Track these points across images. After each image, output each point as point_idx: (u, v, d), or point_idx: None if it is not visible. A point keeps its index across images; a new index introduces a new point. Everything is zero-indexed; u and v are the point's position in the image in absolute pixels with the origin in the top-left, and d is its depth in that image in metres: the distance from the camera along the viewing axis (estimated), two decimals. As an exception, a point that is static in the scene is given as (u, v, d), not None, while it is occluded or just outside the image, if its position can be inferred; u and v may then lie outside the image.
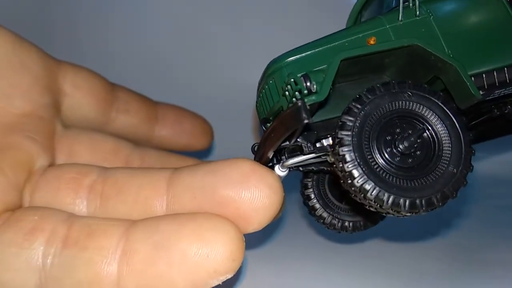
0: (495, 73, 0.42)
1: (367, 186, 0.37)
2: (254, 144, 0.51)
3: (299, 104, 0.37)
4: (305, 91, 0.38)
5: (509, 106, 0.48)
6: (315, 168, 0.52)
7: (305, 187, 0.54)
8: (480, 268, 0.50)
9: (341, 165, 0.38)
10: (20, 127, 0.46)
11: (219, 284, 0.37)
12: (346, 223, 0.53)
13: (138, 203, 0.41)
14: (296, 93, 0.39)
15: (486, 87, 0.41)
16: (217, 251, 0.36)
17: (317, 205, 0.53)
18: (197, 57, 0.85)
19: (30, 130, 0.47)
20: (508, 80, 0.42)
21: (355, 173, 0.37)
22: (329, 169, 0.51)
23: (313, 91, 0.39)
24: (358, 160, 0.37)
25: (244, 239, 0.38)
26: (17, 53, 0.49)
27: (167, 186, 0.41)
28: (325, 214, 0.53)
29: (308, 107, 0.38)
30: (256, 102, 0.49)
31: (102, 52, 0.83)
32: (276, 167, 0.48)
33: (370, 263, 0.53)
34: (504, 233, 0.59)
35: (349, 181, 0.38)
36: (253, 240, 0.45)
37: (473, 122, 0.49)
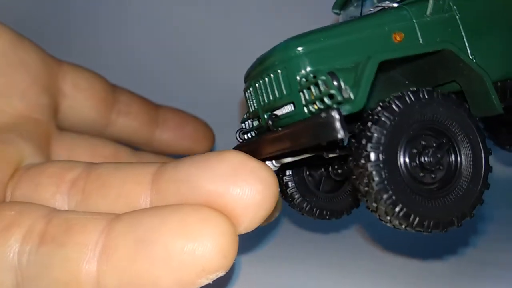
0: (508, 81, 0.41)
1: (396, 209, 0.34)
2: (238, 130, 0.46)
3: (336, 115, 0.32)
4: (339, 98, 0.33)
5: None
6: (306, 161, 0.49)
7: (283, 174, 0.51)
8: (480, 268, 0.51)
9: (366, 181, 0.35)
10: (15, 127, 0.46)
11: (209, 284, 0.34)
12: (324, 212, 0.51)
13: (121, 197, 0.38)
14: (326, 98, 0.34)
15: (504, 98, 0.40)
16: (206, 247, 0.32)
17: (296, 194, 0.51)
18: (196, 60, 0.84)
19: (25, 130, 0.46)
20: None
21: (384, 194, 0.34)
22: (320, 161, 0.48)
23: (346, 97, 0.34)
24: (387, 178, 0.34)
25: (237, 233, 0.34)
26: (16, 51, 0.49)
27: (152, 180, 0.38)
28: (303, 203, 0.51)
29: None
30: (247, 88, 0.42)
31: (96, 52, 0.82)
32: (269, 161, 0.43)
33: (367, 262, 0.52)
34: (504, 233, 0.61)
35: (377, 202, 0.35)
36: (246, 239, 0.42)
37: None
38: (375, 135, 0.35)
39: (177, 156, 0.59)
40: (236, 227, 0.34)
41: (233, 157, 0.35)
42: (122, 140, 0.58)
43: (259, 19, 0.83)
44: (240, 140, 0.45)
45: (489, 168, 0.38)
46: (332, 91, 0.33)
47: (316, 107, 0.35)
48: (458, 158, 0.37)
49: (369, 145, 0.35)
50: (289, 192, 0.51)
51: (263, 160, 0.41)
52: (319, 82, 0.34)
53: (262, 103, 0.41)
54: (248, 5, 0.83)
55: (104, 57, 0.82)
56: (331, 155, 0.40)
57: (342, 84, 0.34)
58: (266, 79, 0.39)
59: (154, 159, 0.54)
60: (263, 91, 0.40)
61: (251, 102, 0.43)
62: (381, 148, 0.35)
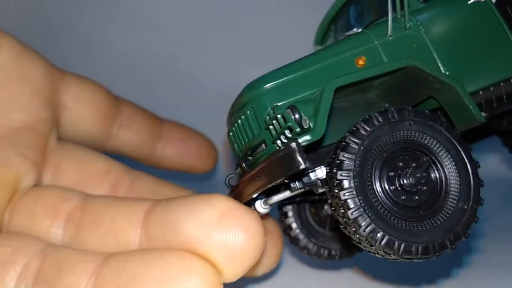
0: (491, 90, 0.38)
1: (377, 236, 0.32)
2: (227, 176, 0.45)
3: (294, 146, 0.32)
4: (297, 129, 0.33)
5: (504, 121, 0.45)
6: (299, 199, 0.48)
7: (285, 215, 0.50)
8: (485, 270, 0.49)
9: (342, 210, 0.33)
10: (14, 141, 0.45)
11: None
12: (333, 251, 0.49)
13: (111, 235, 0.38)
14: (286, 131, 0.34)
15: (484, 106, 0.38)
16: None
17: (301, 236, 0.49)
18: (193, 65, 0.82)
19: (23, 145, 0.45)
20: (505, 98, 0.39)
21: (362, 222, 0.32)
22: (315, 198, 0.47)
23: (306, 127, 0.33)
24: (363, 205, 0.33)
25: (221, 282, 0.33)
26: (20, 63, 0.47)
27: (143, 219, 0.38)
28: (310, 244, 0.49)
29: (303, 148, 0.32)
30: (228, 133, 0.43)
31: (90, 57, 0.80)
32: (258, 203, 0.42)
33: (371, 272, 0.50)
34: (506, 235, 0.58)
35: (354, 231, 0.33)
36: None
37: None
38: (345, 162, 0.33)
39: (178, 172, 0.58)
40: (220, 276, 0.33)
41: (220, 203, 0.35)
42: (122, 153, 0.57)
43: (259, 18, 0.82)
44: (230, 186, 0.45)
45: (479, 183, 0.35)
46: (290, 124, 0.33)
47: (281, 141, 0.35)
48: (442, 176, 0.35)
49: (339, 173, 0.33)
50: (293, 235, 0.49)
51: (250, 202, 0.41)
52: (278, 117, 0.34)
53: (241, 146, 0.41)
54: (248, 7, 0.82)
55: (98, 61, 0.80)
56: (320, 190, 0.39)
57: (302, 115, 0.34)
58: (239, 121, 0.40)
59: (148, 180, 0.51)
60: (239, 133, 0.40)
61: (234, 146, 0.43)
62: (352, 174, 0.33)
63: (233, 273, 0.34)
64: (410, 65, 0.36)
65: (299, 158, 0.32)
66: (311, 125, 0.33)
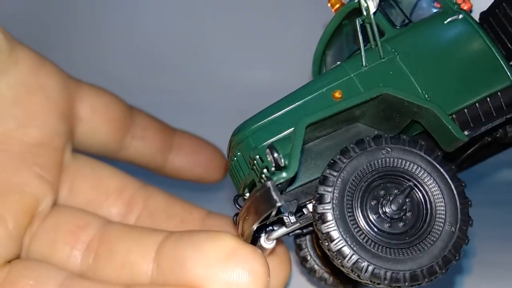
0: (478, 107, 0.38)
1: (361, 267, 0.33)
2: (236, 196, 0.47)
3: (268, 185, 0.33)
4: (272, 168, 0.34)
5: (500, 130, 0.44)
6: (304, 231, 0.48)
7: (300, 247, 0.50)
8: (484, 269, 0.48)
9: (326, 243, 0.34)
10: (31, 159, 0.45)
11: None
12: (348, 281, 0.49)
13: (125, 267, 0.40)
14: (264, 170, 0.35)
15: (471, 124, 0.38)
16: None
17: (316, 266, 0.49)
18: (198, 62, 0.83)
19: (40, 165, 0.45)
20: (493, 112, 0.38)
21: (345, 253, 0.33)
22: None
23: (282, 165, 0.35)
24: (344, 237, 0.33)
25: None
26: (36, 76, 0.47)
27: (156, 253, 0.39)
28: (325, 274, 0.49)
29: (278, 186, 0.34)
30: (229, 171, 0.45)
31: (97, 55, 0.81)
32: (262, 239, 0.43)
33: None
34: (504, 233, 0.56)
35: (340, 262, 0.34)
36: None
37: (468, 152, 0.46)
38: (324, 195, 0.34)
39: (189, 183, 0.59)
40: None
41: (226, 243, 0.37)
42: (134, 163, 0.57)
43: (262, 17, 0.82)
44: (239, 207, 0.46)
45: (466, 203, 0.34)
46: (266, 164, 0.35)
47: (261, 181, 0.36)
48: (426, 200, 0.35)
49: (319, 206, 0.34)
50: (308, 266, 0.50)
51: (256, 238, 0.42)
52: (256, 157, 0.36)
53: (239, 183, 0.43)
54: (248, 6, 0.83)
55: (106, 65, 0.80)
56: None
57: (279, 153, 0.35)
58: (233, 162, 0.42)
59: (161, 197, 0.51)
60: (235, 172, 0.42)
61: (234, 182, 0.45)
62: (332, 207, 0.34)
63: None
64: (382, 93, 0.36)
65: (274, 196, 0.33)
66: (286, 162, 0.34)
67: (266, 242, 0.43)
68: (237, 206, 0.39)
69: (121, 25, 0.81)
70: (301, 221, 0.39)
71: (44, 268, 0.40)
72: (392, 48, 0.39)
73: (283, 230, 0.41)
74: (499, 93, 0.38)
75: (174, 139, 0.59)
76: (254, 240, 0.42)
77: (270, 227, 0.42)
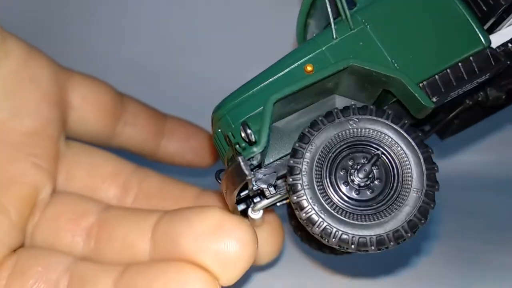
0: (449, 72, 0.38)
1: (329, 233, 0.34)
2: (218, 171, 0.49)
3: (238, 160, 0.35)
4: (243, 144, 0.36)
5: (481, 93, 0.44)
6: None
7: (291, 216, 0.52)
8: (478, 271, 0.49)
9: (297, 212, 0.36)
10: (27, 149, 0.46)
11: None
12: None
13: (124, 249, 0.42)
14: (237, 146, 0.37)
15: (442, 90, 0.38)
16: None
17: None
18: (189, 63, 0.84)
19: (36, 154, 0.46)
20: (465, 76, 0.38)
21: (314, 220, 0.35)
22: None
23: (253, 141, 0.36)
24: (313, 205, 0.35)
25: (218, 287, 0.37)
26: (28, 67, 0.48)
27: (152, 232, 0.41)
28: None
29: (251, 160, 0.36)
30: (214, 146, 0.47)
31: (92, 56, 0.82)
32: (249, 211, 0.46)
33: (364, 266, 0.51)
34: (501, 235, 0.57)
35: (310, 229, 0.35)
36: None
37: (450, 117, 0.46)
38: (294, 167, 0.36)
39: (181, 168, 0.60)
40: (216, 282, 0.37)
41: (213, 216, 0.39)
42: (127, 149, 0.58)
43: (255, 18, 0.81)
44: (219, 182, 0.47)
45: (432, 168, 0.35)
46: (237, 140, 0.36)
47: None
48: (394, 168, 0.36)
49: (289, 178, 0.36)
50: (300, 234, 0.52)
51: (245, 210, 0.44)
52: (229, 134, 0.38)
53: (224, 156, 0.45)
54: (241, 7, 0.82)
55: (100, 62, 0.79)
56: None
57: (251, 130, 0.37)
58: (215, 138, 0.44)
59: (155, 178, 0.53)
60: (218, 146, 0.44)
61: (219, 154, 0.46)
62: (301, 177, 0.36)
63: (228, 279, 0.38)
64: (349, 65, 0.37)
65: (245, 170, 0.35)
66: (256, 138, 0.36)
67: (253, 213, 0.45)
68: (218, 181, 0.41)
69: (114, 32, 0.82)
70: (280, 192, 0.40)
71: (50, 255, 0.42)
72: (363, 19, 0.39)
73: (266, 201, 0.43)
74: (471, 58, 0.38)
75: (165, 125, 0.60)
76: (246, 214, 0.44)
77: (258, 199, 0.45)
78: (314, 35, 0.49)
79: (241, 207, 0.45)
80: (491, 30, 0.42)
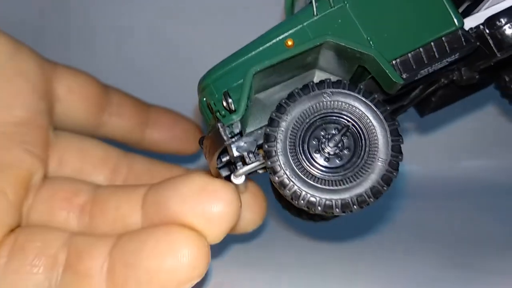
0: (421, 51, 0.40)
1: (298, 196, 0.37)
2: (201, 137, 0.52)
3: (217, 126, 0.38)
4: (223, 112, 0.39)
5: (455, 73, 0.46)
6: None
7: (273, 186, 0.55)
8: (472, 275, 0.51)
9: (271, 176, 0.39)
10: (19, 137, 0.48)
11: None
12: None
13: (117, 221, 0.44)
14: (217, 113, 0.40)
15: (414, 67, 0.40)
16: (179, 263, 0.38)
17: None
18: (186, 62, 0.84)
19: (28, 142, 0.48)
20: (436, 55, 0.40)
21: (285, 184, 0.38)
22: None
23: (233, 109, 0.39)
24: (285, 170, 0.38)
25: (206, 243, 0.40)
26: (15, 60, 0.50)
27: (141, 203, 0.44)
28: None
29: (229, 128, 0.38)
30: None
31: (92, 55, 0.83)
32: (232, 176, 0.49)
33: (355, 266, 0.54)
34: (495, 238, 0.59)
35: (282, 192, 0.38)
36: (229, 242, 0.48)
37: (425, 94, 0.48)
38: (270, 134, 0.39)
39: (167, 155, 0.63)
40: (204, 239, 0.40)
41: (198, 180, 0.42)
42: (113, 139, 0.60)
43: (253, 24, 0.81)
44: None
45: (397, 140, 0.38)
46: (217, 108, 0.39)
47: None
48: (362, 138, 0.38)
49: (265, 145, 0.39)
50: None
51: (216, 172, 0.47)
52: (211, 103, 0.40)
53: (208, 124, 0.47)
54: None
55: (99, 59, 0.81)
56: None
57: (231, 99, 0.39)
58: (200, 106, 0.46)
59: (143, 161, 0.55)
60: (204, 115, 0.47)
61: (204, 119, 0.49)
62: (275, 145, 0.38)
63: (215, 236, 0.41)
64: (326, 40, 0.39)
65: (223, 136, 0.38)
66: (235, 107, 0.39)
67: (235, 178, 0.48)
68: (201, 146, 0.44)
69: (113, 32, 0.82)
70: (259, 159, 0.43)
71: (47, 231, 0.44)
72: (343, -3, 0.42)
73: (246, 167, 0.45)
74: (443, 38, 0.40)
75: (150, 114, 0.62)
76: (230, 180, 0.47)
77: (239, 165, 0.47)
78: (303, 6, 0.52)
79: (225, 173, 0.48)
80: (468, 12, 0.44)
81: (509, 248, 0.56)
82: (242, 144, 0.42)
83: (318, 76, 0.44)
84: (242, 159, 0.45)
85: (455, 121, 0.78)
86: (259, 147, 0.44)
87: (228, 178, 0.48)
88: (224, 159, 0.43)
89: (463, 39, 0.40)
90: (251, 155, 0.43)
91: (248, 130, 0.43)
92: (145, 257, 0.39)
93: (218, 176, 0.47)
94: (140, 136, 0.61)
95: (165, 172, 0.55)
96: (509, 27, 0.41)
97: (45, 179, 0.49)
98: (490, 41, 0.41)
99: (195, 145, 0.64)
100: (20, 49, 0.51)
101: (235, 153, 0.42)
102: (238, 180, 0.48)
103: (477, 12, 0.44)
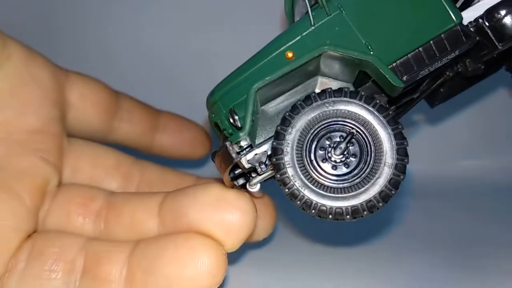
0: (421, 51, 0.41)
1: (309, 206, 0.38)
2: (213, 153, 0.53)
3: (225, 145, 0.40)
4: (230, 130, 0.40)
5: (460, 65, 0.46)
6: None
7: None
8: (476, 276, 0.51)
9: (281, 188, 0.40)
10: (33, 145, 0.48)
11: None
12: None
13: (133, 226, 0.45)
14: (225, 131, 0.41)
15: (415, 68, 0.41)
16: (197, 270, 0.40)
17: None
18: (197, 64, 0.85)
19: (42, 150, 0.49)
20: (436, 54, 0.41)
21: (295, 195, 0.39)
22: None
23: (239, 126, 0.40)
24: (294, 182, 0.39)
25: (223, 252, 0.41)
26: (28, 68, 0.50)
27: (158, 210, 0.45)
28: None
29: (237, 144, 0.40)
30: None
31: (103, 58, 0.84)
32: (247, 185, 0.50)
33: (362, 267, 0.54)
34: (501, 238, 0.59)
35: (293, 203, 0.39)
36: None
37: (432, 87, 0.48)
38: (277, 148, 0.40)
39: (175, 160, 0.63)
40: (222, 248, 0.42)
41: (215, 190, 0.43)
42: (123, 144, 0.60)
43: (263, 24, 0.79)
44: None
45: (402, 143, 0.38)
46: (224, 127, 0.41)
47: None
48: (368, 144, 0.39)
49: (273, 158, 0.40)
50: None
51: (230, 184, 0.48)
52: (218, 121, 0.42)
53: (218, 136, 0.49)
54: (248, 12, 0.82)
55: (111, 61, 0.82)
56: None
57: (237, 116, 0.41)
58: (210, 122, 0.48)
59: (155, 169, 0.56)
60: (214, 130, 0.48)
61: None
62: (283, 157, 0.40)
63: (232, 244, 0.42)
64: (323, 51, 0.40)
65: (232, 154, 0.39)
66: (241, 124, 0.40)
67: (250, 187, 0.50)
68: (213, 160, 0.46)
69: (126, 26, 0.83)
70: (271, 169, 0.44)
71: (64, 236, 0.44)
72: (338, 4, 0.42)
73: (259, 177, 0.47)
74: (442, 35, 0.41)
75: (159, 119, 0.62)
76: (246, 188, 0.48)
77: (254, 174, 0.49)
78: (303, 11, 0.52)
79: (241, 181, 0.49)
80: (467, 4, 0.44)
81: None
82: (252, 156, 0.44)
83: (321, 82, 0.45)
84: (254, 169, 0.47)
85: (456, 121, 0.78)
86: (270, 156, 0.45)
87: (243, 186, 0.50)
88: (237, 172, 0.45)
89: (462, 35, 0.40)
90: (262, 166, 0.45)
91: (257, 141, 0.44)
92: (165, 264, 0.40)
93: (232, 187, 0.48)
94: (150, 141, 0.62)
95: (176, 179, 0.56)
96: (509, 18, 0.40)
97: (60, 186, 0.50)
98: (491, 34, 0.41)
99: (203, 150, 0.65)
100: (33, 57, 0.51)
101: (247, 166, 0.43)
102: (254, 188, 0.50)
103: (475, 3, 0.43)
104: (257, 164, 0.44)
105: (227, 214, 0.42)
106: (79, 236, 0.45)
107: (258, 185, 0.49)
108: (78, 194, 0.49)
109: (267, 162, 0.44)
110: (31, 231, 0.45)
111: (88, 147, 0.55)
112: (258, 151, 0.44)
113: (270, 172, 0.45)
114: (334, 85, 0.44)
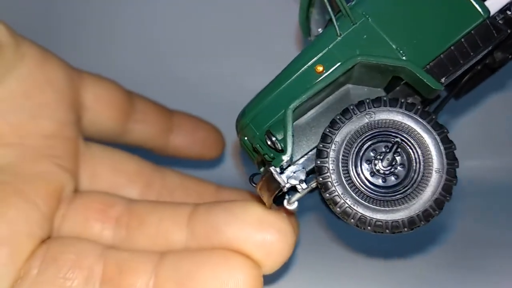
0: (453, 49, 0.40)
1: (366, 222, 0.38)
2: (251, 175, 0.52)
3: (270, 171, 0.38)
4: (271, 154, 0.39)
5: (488, 56, 0.46)
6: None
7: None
8: (480, 275, 0.51)
9: (332, 207, 0.39)
10: (48, 151, 0.47)
11: None
12: None
13: (158, 236, 0.44)
14: (266, 156, 0.40)
15: (450, 68, 0.40)
16: None
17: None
18: (208, 61, 0.84)
19: (57, 156, 0.47)
20: (470, 51, 0.40)
21: (348, 213, 0.38)
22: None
23: (279, 148, 0.39)
24: (345, 199, 0.38)
25: (261, 274, 0.41)
26: (43, 69, 0.48)
27: (188, 221, 0.43)
28: None
29: (282, 165, 0.39)
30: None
31: (103, 58, 0.82)
32: (285, 203, 0.49)
33: (371, 270, 0.54)
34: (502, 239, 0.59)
35: (346, 221, 0.39)
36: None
37: (463, 81, 0.48)
38: (321, 166, 0.39)
39: (189, 160, 0.62)
40: (260, 270, 0.41)
41: (256, 209, 0.43)
42: (137, 145, 0.59)
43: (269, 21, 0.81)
44: (254, 185, 0.49)
45: (450, 147, 0.38)
46: (265, 153, 0.39)
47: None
48: (414, 152, 0.38)
49: (319, 177, 0.39)
50: None
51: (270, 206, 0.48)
52: (257, 146, 0.41)
53: (254, 159, 0.48)
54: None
55: (118, 60, 0.80)
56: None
57: (276, 138, 0.40)
58: (243, 145, 0.46)
59: (175, 176, 0.55)
60: (248, 152, 0.47)
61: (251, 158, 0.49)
62: (330, 176, 0.39)
63: (271, 267, 0.42)
64: (356, 63, 0.39)
65: (278, 179, 0.38)
66: (282, 146, 0.39)
67: (289, 205, 0.49)
68: (253, 184, 0.45)
69: (131, 21, 0.82)
70: (310, 185, 0.43)
71: (81, 243, 0.43)
72: (363, 11, 0.41)
73: (299, 195, 0.46)
74: (473, 32, 0.40)
75: (173, 120, 0.61)
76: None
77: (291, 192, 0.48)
78: (317, 23, 0.51)
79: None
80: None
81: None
82: (292, 174, 0.42)
83: (352, 90, 0.44)
84: (294, 187, 0.46)
85: (458, 121, 0.78)
86: (308, 173, 0.44)
87: (280, 203, 0.49)
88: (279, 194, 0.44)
89: (493, 29, 0.40)
90: (302, 184, 0.44)
91: (294, 158, 0.43)
92: (202, 280, 0.39)
93: (270, 206, 0.47)
94: (164, 142, 0.60)
95: (197, 187, 0.55)
96: (538, 7, 0.40)
97: (77, 192, 0.48)
98: None
99: (217, 150, 0.64)
100: (48, 57, 0.50)
101: (288, 185, 0.42)
102: (292, 206, 0.49)
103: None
104: (297, 182, 0.43)
105: (268, 235, 0.41)
106: (96, 243, 0.43)
107: (296, 203, 0.49)
108: (96, 200, 0.47)
109: (305, 179, 0.44)
110: (45, 237, 0.43)
111: (106, 152, 0.53)
112: (297, 168, 0.43)
113: (310, 188, 0.44)
114: (366, 92, 0.43)
